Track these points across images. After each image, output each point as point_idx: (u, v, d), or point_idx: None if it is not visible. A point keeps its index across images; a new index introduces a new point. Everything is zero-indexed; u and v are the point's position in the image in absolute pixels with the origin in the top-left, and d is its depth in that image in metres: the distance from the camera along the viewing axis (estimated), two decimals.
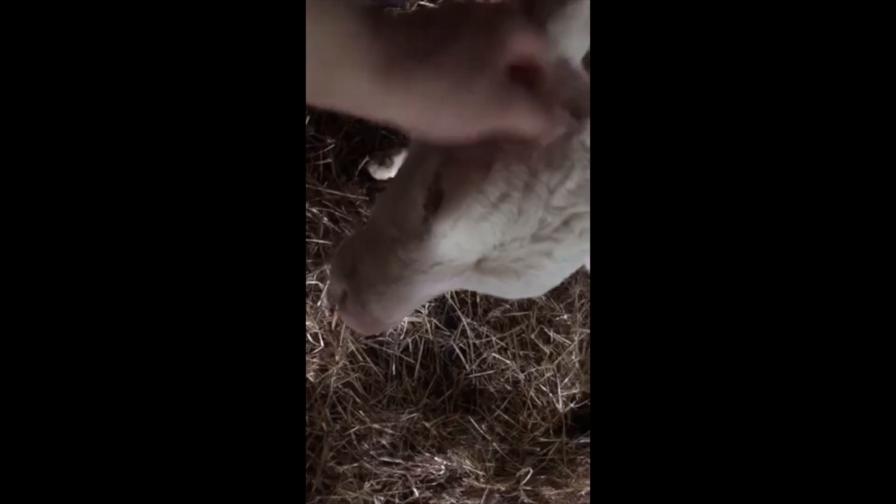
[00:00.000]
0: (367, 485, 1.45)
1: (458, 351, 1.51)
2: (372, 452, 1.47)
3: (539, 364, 1.54)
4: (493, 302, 1.52)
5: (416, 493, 1.47)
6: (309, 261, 1.41)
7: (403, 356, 1.50)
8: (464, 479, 1.50)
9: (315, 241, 1.40)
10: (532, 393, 1.54)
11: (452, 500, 1.48)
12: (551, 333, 1.53)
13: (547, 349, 1.53)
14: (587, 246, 0.54)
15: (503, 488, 1.49)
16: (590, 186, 0.50)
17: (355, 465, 1.46)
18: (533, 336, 1.53)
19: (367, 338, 1.46)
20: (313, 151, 1.41)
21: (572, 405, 1.56)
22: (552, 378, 1.54)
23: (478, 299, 1.52)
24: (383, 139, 1.41)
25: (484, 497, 1.47)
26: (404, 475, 1.48)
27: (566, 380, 1.54)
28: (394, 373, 1.49)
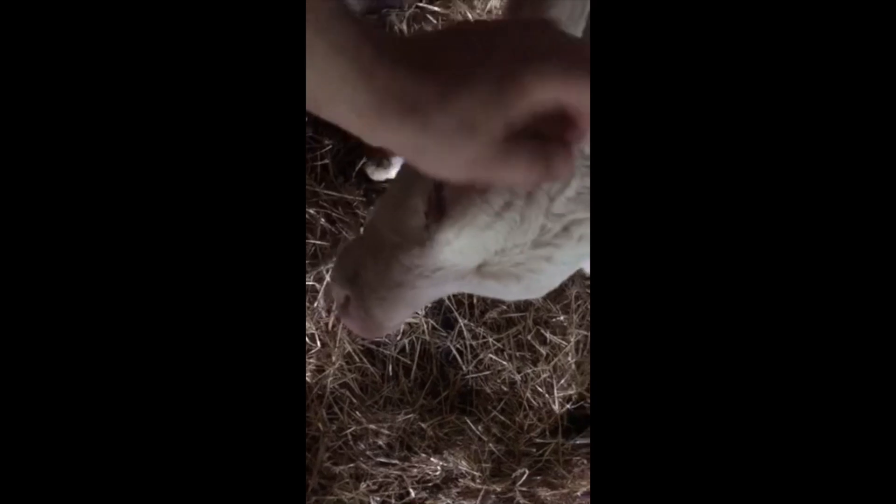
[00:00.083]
0: (363, 485, 1.45)
1: (454, 352, 1.52)
2: (368, 453, 1.47)
3: (535, 365, 1.54)
4: (489, 303, 1.52)
5: (413, 493, 1.47)
6: (306, 262, 1.41)
7: (400, 357, 1.50)
8: (460, 480, 1.50)
9: (312, 241, 1.40)
10: (528, 394, 1.55)
11: (448, 501, 1.48)
12: (548, 335, 1.53)
13: (543, 350, 1.54)
14: (586, 250, 0.54)
15: (499, 489, 1.49)
16: (589, 194, 0.51)
17: (351, 465, 1.46)
18: (529, 337, 1.53)
19: (364, 339, 1.46)
20: (311, 152, 1.41)
21: (568, 406, 1.57)
22: (548, 379, 1.55)
23: (474, 300, 1.52)
24: None
25: (480, 497, 1.48)
26: (400, 476, 1.48)
27: (562, 381, 1.55)
28: (390, 373, 1.50)
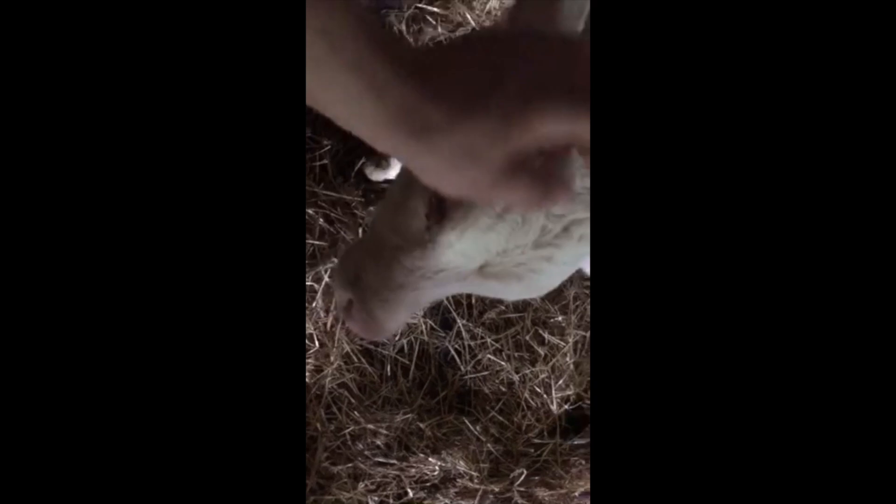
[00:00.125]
0: (361, 485, 1.45)
1: (452, 352, 1.52)
2: (366, 453, 1.47)
3: (533, 365, 1.55)
4: (488, 303, 1.52)
5: (411, 493, 1.48)
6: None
7: (398, 357, 1.50)
8: (458, 480, 1.50)
9: (311, 242, 1.40)
10: (526, 394, 1.55)
11: (446, 501, 1.49)
12: (546, 335, 1.54)
13: (541, 351, 1.54)
14: (586, 250, 0.55)
15: (497, 489, 1.49)
16: (589, 194, 0.51)
17: (350, 465, 1.46)
18: (528, 338, 1.53)
19: (363, 339, 1.46)
20: (310, 153, 1.41)
21: (566, 406, 1.57)
22: (546, 379, 1.55)
23: (473, 301, 1.53)
24: None
25: (478, 498, 1.48)
26: (399, 476, 1.48)
27: (560, 381, 1.55)
28: (389, 373, 1.50)
